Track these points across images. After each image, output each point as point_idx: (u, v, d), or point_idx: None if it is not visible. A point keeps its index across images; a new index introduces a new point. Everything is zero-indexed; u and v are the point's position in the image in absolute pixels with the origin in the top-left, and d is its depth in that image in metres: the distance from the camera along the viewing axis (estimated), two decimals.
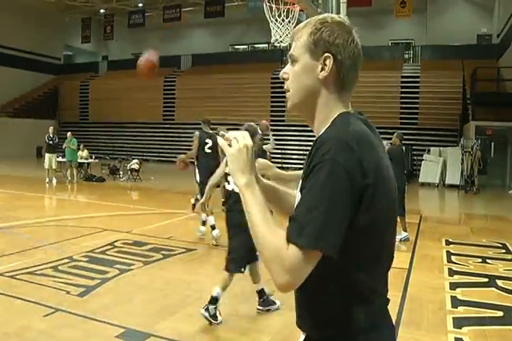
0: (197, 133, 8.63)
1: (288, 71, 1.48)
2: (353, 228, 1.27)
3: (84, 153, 17.86)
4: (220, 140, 1.41)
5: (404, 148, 9.28)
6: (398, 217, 7.66)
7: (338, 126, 1.36)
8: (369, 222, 1.30)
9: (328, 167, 1.24)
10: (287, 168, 19.62)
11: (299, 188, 1.41)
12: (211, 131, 8.55)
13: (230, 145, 1.39)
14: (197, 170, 8.41)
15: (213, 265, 6.57)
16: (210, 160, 8.08)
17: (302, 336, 1.50)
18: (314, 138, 1.40)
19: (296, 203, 1.34)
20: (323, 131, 1.38)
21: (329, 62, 1.39)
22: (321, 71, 1.40)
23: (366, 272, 1.35)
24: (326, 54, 1.39)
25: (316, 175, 1.26)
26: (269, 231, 1.28)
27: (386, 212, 1.38)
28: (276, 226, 1.31)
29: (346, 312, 1.35)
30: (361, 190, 1.26)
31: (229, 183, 4.77)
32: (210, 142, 8.36)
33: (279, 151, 20.25)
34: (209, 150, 8.36)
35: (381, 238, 1.38)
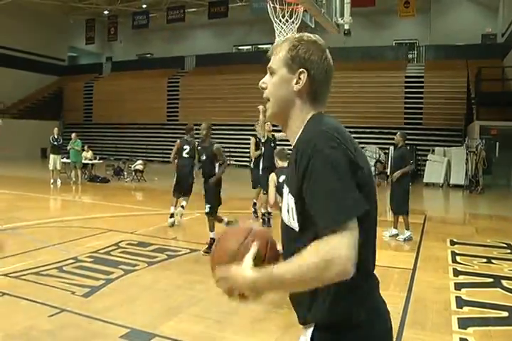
0: (178, 140, 9.58)
1: (266, 81, 1.66)
2: None
3: (89, 154, 17.89)
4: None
5: (408, 147, 9.23)
6: (401, 216, 7.66)
7: (312, 124, 1.53)
8: (365, 197, 1.41)
9: (322, 156, 1.37)
10: None
11: (287, 196, 1.52)
12: (191, 139, 9.40)
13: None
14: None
15: None
16: (186, 164, 9.28)
17: (304, 332, 1.55)
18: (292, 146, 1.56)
19: (291, 207, 1.48)
20: (299, 135, 1.54)
21: (303, 77, 1.56)
22: (296, 84, 1.57)
23: (363, 249, 1.40)
24: (301, 69, 1.56)
25: (315, 169, 1.38)
26: (295, 264, 1.34)
27: (373, 191, 1.52)
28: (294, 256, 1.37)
29: (349, 285, 1.37)
30: (353, 168, 1.40)
31: None
32: (187, 148, 9.22)
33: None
34: (186, 155, 9.23)
35: (373, 213, 1.52)
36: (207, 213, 7.38)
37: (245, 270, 1.41)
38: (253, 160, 10.11)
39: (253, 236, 1.54)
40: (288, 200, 1.51)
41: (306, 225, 1.46)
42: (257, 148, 9.88)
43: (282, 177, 5.47)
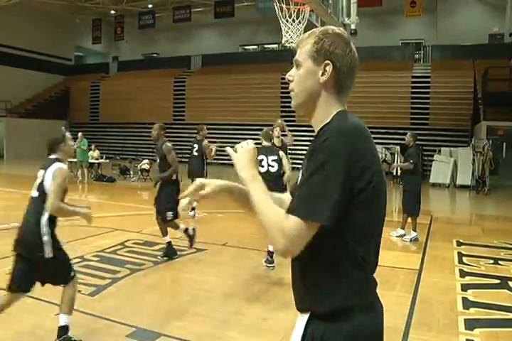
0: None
1: (293, 74, 1.70)
2: (354, 203, 1.48)
3: (96, 153, 17.95)
4: (228, 149, 1.73)
5: (418, 147, 9.19)
6: (410, 217, 7.64)
7: (336, 120, 1.59)
8: (369, 199, 1.51)
9: (326, 151, 1.46)
10: (298, 169, 19.56)
11: (300, 175, 1.64)
12: (200, 138, 10.09)
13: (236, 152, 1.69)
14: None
15: (223, 265, 6.58)
16: (196, 161, 9.93)
17: (299, 321, 1.64)
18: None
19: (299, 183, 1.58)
20: (321, 127, 1.61)
21: (329, 69, 1.62)
22: (321, 75, 1.63)
23: (362, 244, 1.56)
24: (327, 61, 1.62)
25: (316, 159, 1.48)
26: (270, 209, 1.51)
27: (383, 192, 1.60)
28: (277, 207, 1.53)
29: (346, 278, 1.55)
30: (360, 172, 1.47)
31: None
32: (196, 146, 9.95)
33: (290, 151, 20.19)
34: (196, 153, 9.92)
35: (377, 215, 1.61)
36: (166, 219, 6.85)
37: (248, 163, 1.65)
38: None
39: None
40: (299, 179, 1.63)
41: None
42: None
43: (261, 157, 6.17)
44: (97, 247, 7.21)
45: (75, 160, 16.88)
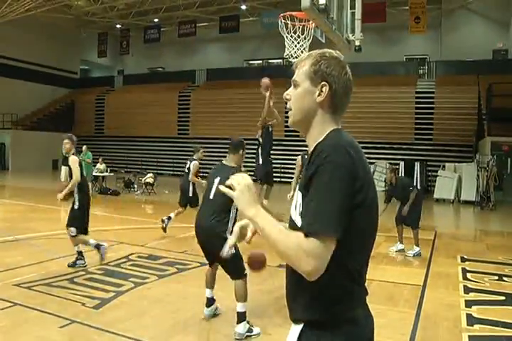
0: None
1: (291, 93, 1.78)
2: (351, 221, 1.53)
3: (102, 166, 18.02)
4: (223, 189, 1.67)
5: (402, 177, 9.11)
6: (412, 231, 7.61)
7: (332, 137, 1.66)
8: (363, 213, 1.58)
9: (330, 168, 1.52)
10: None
11: (297, 193, 1.68)
12: (192, 158, 10.13)
13: (233, 189, 1.65)
14: None
15: (228, 279, 6.57)
16: (185, 178, 10.08)
17: (292, 331, 1.68)
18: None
19: (298, 203, 1.63)
20: (317, 143, 1.66)
21: (325, 89, 1.70)
22: (318, 96, 1.71)
23: (356, 256, 1.63)
24: (323, 82, 1.70)
25: (320, 176, 1.52)
26: (286, 237, 1.52)
27: (375, 205, 1.67)
28: (291, 232, 1.56)
29: (339, 290, 1.60)
30: (358, 185, 1.54)
31: None
32: (188, 164, 10.01)
33: (294, 166, 20.23)
34: (187, 170, 9.97)
35: (370, 228, 1.67)
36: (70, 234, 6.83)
37: (251, 201, 1.63)
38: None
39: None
40: (297, 196, 1.67)
41: None
42: None
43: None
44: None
45: None
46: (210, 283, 5.00)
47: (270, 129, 9.08)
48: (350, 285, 1.61)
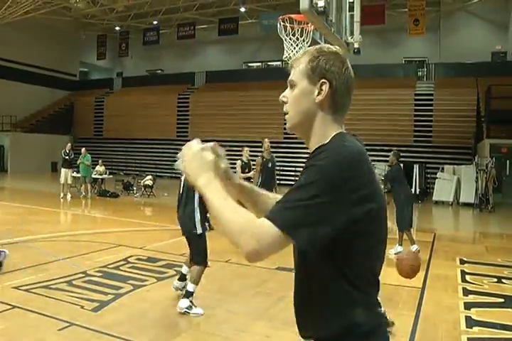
0: None
1: (287, 95, 1.63)
2: (354, 231, 1.42)
3: (102, 168, 18.03)
4: (176, 164, 1.56)
5: (402, 165, 9.09)
6: (404, 232, 7.61)
7: (335, 142, 1.51)
8: (369, 226, 1.46)
9: (318, 170, 1.39)
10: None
11: None
12: None
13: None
14: None
15: (226, 281, 6.58)
16: None
17: None
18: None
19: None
20: (318, 147, 1.53)
21: (325, 87, 1.55)
22: (317, 95, 1.56)
23: (367, 269, 1.52)
24: (323, 80, 1.55)
25: (307, 174, 1.40)
26: (234, 212, 1.40)
27: (384, 216, 1.54)
28: (244, 210, 1.42)
29: (351, 303, 1.48)
30: (358, 200, 1.39)
31: None
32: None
33: (293, 169, 20.24)
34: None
35: (380, 239, 1.55)
36: None
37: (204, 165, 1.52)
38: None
39: None
40: None
41: None
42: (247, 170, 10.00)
43: None
44: (100, 263, 7.21)
45: (78, 175, 16.94)
46: (190, 263, 5.68)
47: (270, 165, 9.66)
48: (362, 297, 1.50)
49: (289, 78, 1.63)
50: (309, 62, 1.57)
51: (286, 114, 1.64)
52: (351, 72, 1.60)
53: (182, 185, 5.58)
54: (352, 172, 1.40)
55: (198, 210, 5.33)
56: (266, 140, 9.89)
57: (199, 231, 5.31)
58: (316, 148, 1.52)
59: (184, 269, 5.81)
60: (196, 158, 1.53)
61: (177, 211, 5.59)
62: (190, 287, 5.23)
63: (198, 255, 5.37)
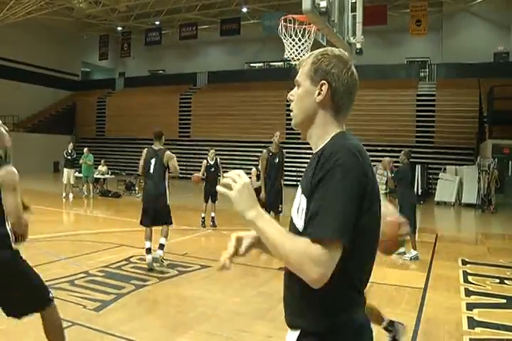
0: (144, 150, 7.79)
1: (294, 94, 1.75)
2: (357, 228, 1.47)
3: (104, 168, 18.04)
4: (218, 188, 1.57)
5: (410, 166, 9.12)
6: (409, 235, 7.53)
7: (338, 140, 1.61)
8: (368, 222, 1.53)
9: (341, 171, 1.46)
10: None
11: (300, 197, 1.60)
12: (162, 147, 7.62)
13: (230, 189, 1.55)
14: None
15: (228, 281, 6.58)
16: (150, 181, 7.38)
17: (290, 335, 1.63)
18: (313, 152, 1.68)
19: (301, 207, 1.56)
20: (322, 145, 1.63)
21: (325, 88, 1.65)
22: (318, 95, 1.66)
23: (361, 265, 1.58)
24: (323, 81, 1.65)
25: (331, 179, 1.47)
26: (291, 242, 1.46)
27: (379, 212, 1.61)
28: (296, 237, 1.48)
29: (340, 299, 1.55)
30: (364, 189, 1.49)
31: None
32: (153, 162, 7.39)
33: (295, 169, 20.23)
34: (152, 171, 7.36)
35: (374, 237, 1.62)
36: None
37: (252, 203, 1.54)
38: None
39: None
40: (300, 200, 1.59)
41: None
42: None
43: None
44: (102, 262, 7.22)
45: (80, 175, 16.97)
46: (149, 237, 7.08)
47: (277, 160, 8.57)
48: (352, 294, 1.57)
49: (296, 78, 1.74)
50: (312, 63, 1.68)
51: (292, 111, 1.75)
52: (354, 74, 1.69)
53: (154, 164, 7.24)
54: (362, 166, 1.50)
55: (167, 187, 7.27)
56: (277, 133, 8.91)
57: (169, 202, 7.29)
58: (322, 151, 1.58)
59: (147, 244, 7.03)
60: (245, 190, 1.55)
61: (144, 186, 7.57)
62: (162, 241, 7.33)
63: (169, 217, 7.32)
